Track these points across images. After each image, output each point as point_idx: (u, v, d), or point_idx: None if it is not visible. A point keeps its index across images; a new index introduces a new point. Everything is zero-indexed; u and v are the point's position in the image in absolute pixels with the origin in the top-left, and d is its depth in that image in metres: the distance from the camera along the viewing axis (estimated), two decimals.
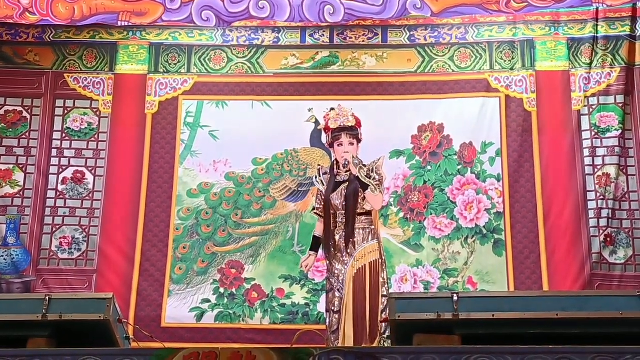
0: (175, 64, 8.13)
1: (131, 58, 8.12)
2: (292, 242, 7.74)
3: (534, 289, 7.19)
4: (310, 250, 6.27)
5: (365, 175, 5.86)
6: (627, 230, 7.42)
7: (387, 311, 4.61)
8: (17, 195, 7.80)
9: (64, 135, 7.95)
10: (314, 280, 7.55)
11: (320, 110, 7.59)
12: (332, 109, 6.20)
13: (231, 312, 7.56)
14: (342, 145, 6.01)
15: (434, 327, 3.80)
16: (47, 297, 4.09)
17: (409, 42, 8.05)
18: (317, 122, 7.82)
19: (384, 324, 5.40)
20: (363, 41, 8.12)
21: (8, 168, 7.85)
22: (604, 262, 7.35)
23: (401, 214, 7.73)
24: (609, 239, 7.37)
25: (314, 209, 6.27)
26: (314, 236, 6.23)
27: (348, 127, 6.02)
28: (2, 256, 7.61)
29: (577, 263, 7.35)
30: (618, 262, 7.37)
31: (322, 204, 6.05)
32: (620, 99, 7.65)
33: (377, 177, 5.87)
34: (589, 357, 3.35)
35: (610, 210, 7.44)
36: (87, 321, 4.06)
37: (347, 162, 5.93)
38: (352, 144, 6.00)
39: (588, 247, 7.37)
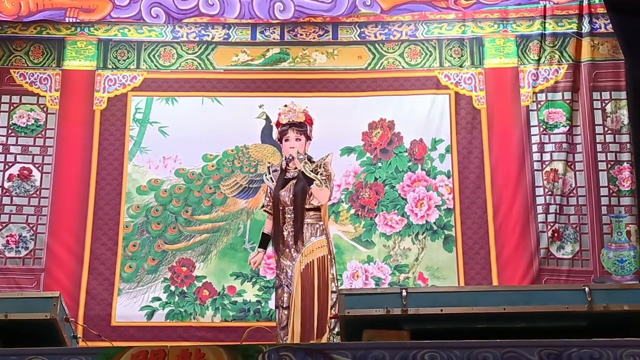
0: (124, 60, 8.04)
1: (79, 54, 8.01)
2: (243, 239, 7.71)
3: (484, 284, 7.24)
4: (259, 247, 6.28)
5: (311, 171, 5.86)
6: (574, 226, 7.51)
7: (337, 307, 4.63)
8: None
9: (10, 131, 7.81)
10: (265, 277, 7.54)
11: (271, 107, 7.62)
12: (286, 105, 6.22)
13: (182, 310, 7.52)
14: (288, 140, 6.03)
15: (384, 323, 3.82)
16: None
17: (359, 39, 8.07)
18: (267, 119, 7.80)
19: (333, 320, 5.43)
20: (314, 38, 8.11)
21: None
22: (551, 257, 7.44)
23: (352, 211, 7.74)
24: (556, 234, 7.46)
25: (263, 206, 6.27)
26: (263, 233, 6.24)
27: (296, 123, 6.02)
28: None
29: (525, 258, 7.43)
30: (565, 257, 7.46)
31: (271, 200, 6.06)
32: (567, 95, 7.74)
33: (324, 173, 5.88)
34: (536, 351, 3.38)
35: (558, 206, 7.53)
36: (33, 320, 4.02)
37: (291, 157, 5.95)
38: (298, 139, 6.01)
39: (536, 243, 7.45)
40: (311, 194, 5.86)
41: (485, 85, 7.85)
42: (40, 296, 4.62)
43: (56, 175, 7.73)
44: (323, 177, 5.84)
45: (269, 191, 6.15)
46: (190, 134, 7.87)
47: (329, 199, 6.08)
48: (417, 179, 7.76)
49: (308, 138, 6.07)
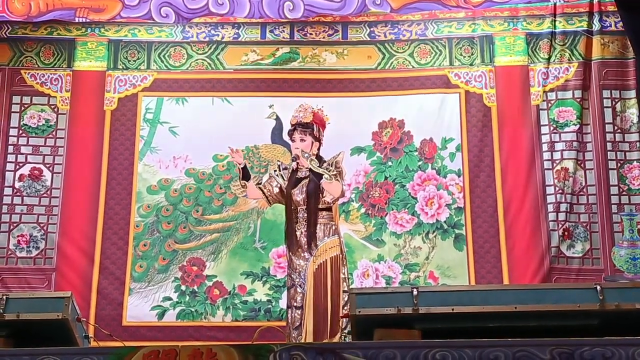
0: (135, 61, 8.06)
1: (89, 54, 8.03)
2: (254, 239, 7.72)
3: (495, 283, 7.23)
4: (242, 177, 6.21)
5: (319, 167, 5.84)
6: (584, 224, 7.50)
7: (348, 306, 4.62)
8: None
9: (20, 132, 7.84)
10: (275, 276, 7.54)
11: (281, 107, 7.63)
12: (300, 105, 6.20)
13: (193, 309, 7.53)
14: (294, 141, 6.02)
15: (395, 322, 3.82)
16: (4, 297, 4.06)
17: (369, 39, 8.06)
18: (278, 119, 7.80)
19: (344, 320, 5.42)
20: (323, 37, 8.11)
21: None
22: (562, 255, 7.42)
23: (362, 210, 7.74)
24: (567, 233, 7.45)
25: (259, 183, 6.25)
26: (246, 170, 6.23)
27: (302, 123, 6.00)
28: None
29: (536, 257, 7.41)
30: (576, 255, 7.45)
31: (275, 193, 6.08)
32: (578, 94, 7.72)
33: (334, 170, 5.84)
34: (547, 350, 3.37)
35: (569, 204, 7.51)
36: (45, 320, 4.03)
37: (296, 156, 5.94)
38: (303, 140, 5.98)
39: (547, 241, 7.44)
40: (323, 190, 5.85)
41: (495, 83, 7.84)
42: (51, 296, 4.62)
43: (67, 175, 7.75)
44: (334, 173, 5.81)
45: (274, 182, 6.12)
46: (201, 134, 7.88)
47: (342, 194, 6.06)
48: (428, 177, 7.76)
49: (316, 139, 6.00)
